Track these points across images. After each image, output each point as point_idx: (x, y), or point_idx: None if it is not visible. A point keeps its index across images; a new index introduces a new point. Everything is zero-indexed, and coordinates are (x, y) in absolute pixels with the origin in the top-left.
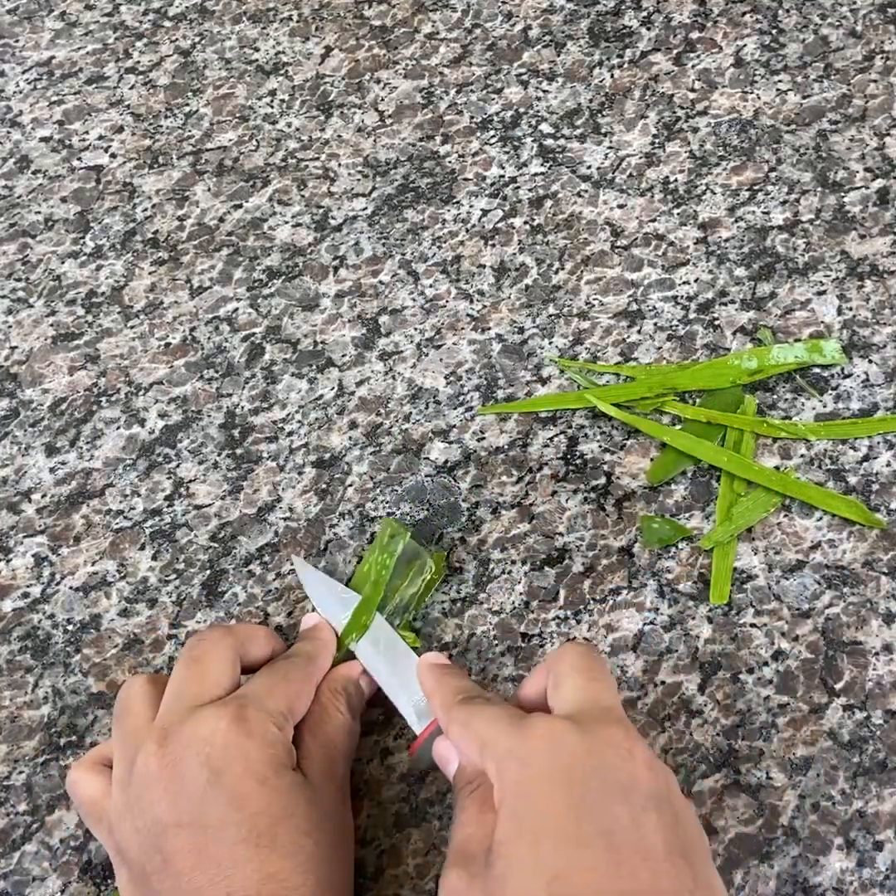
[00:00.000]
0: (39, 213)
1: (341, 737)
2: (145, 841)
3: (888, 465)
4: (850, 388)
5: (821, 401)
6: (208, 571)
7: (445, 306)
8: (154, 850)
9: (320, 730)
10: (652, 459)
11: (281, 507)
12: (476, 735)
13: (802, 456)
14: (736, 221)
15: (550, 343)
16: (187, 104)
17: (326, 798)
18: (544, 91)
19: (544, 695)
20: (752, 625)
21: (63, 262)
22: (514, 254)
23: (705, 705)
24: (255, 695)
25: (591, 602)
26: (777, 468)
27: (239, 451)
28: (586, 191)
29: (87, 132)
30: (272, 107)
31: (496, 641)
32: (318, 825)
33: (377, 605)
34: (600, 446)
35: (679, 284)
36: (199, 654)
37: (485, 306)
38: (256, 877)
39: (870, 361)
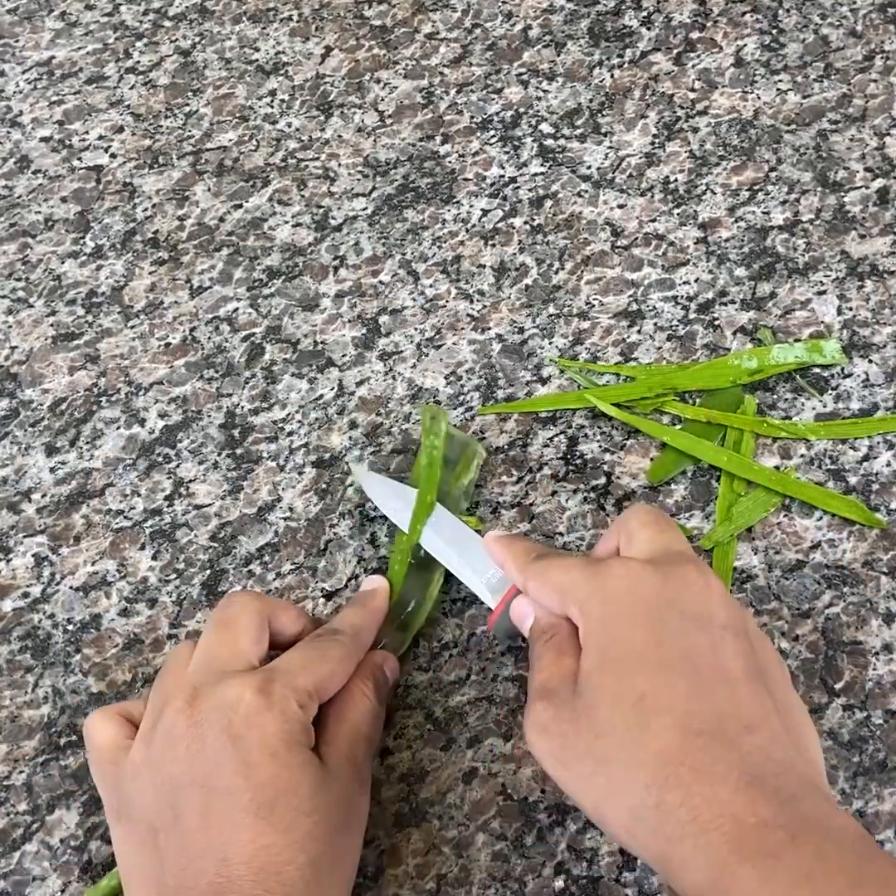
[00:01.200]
0: (39, 213)
1: (366, 722)
2: (161, 797)
3: (888, 465)
4: (850, 388)
5: (821, 401)
6: (208, 571)
7: (445, 306)
8: (168, 806)
9: (345, 715)
10: (652, 459)
11: (281, 507)
12: (555, 585)
13: (802, 456)
14: (736, 221)
15: (550, 343)
16: (187, 104)
17: (339, 783)
18: (544, 91)
19: (617, 553)
20: None
21: (64, 262)
22: (514, 254)
23: None
24: (286, 670)
25: None
26: (777, 468)
27: (239, 451)
28: (586, 191)
29: (87, 132)
30: (272, 107)
31: (496, 641)
32: (321, 807)
33: (437, 483)
34: (600, 446)
35: (679, 284)
36: (229, 617)
37: (485, 306)
38: (251, 847)
39: (870, 361)
